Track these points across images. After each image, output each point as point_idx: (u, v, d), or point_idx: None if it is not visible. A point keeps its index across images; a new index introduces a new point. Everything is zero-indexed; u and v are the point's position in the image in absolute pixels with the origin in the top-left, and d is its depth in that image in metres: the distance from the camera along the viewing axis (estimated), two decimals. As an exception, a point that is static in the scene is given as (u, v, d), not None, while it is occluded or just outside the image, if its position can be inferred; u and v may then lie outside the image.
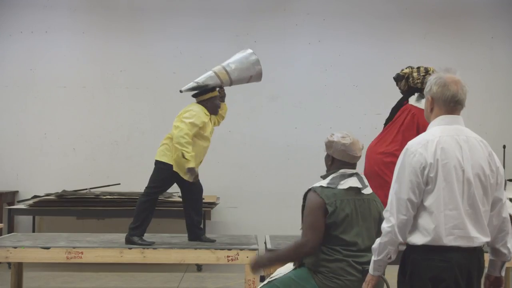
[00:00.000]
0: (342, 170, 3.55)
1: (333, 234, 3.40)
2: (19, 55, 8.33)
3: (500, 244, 2.87)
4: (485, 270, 2.96)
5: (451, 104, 2.81)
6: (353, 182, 3.51)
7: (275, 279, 3.56)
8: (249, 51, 5.61)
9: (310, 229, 3.39)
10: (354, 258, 3.36)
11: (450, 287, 2.71)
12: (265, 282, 3.62)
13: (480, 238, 2.73)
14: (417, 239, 2.74)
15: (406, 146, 2.80)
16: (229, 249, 4.85)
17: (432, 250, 2.71)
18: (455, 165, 2.71)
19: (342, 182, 3.49)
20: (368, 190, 3.55)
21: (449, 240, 2.68)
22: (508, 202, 2.94)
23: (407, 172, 2.73)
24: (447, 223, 2.69)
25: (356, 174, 3.58)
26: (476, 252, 2.77)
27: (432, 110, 2.87)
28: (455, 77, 2.84)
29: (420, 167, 2.71)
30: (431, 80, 2.86)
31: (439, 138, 2.75)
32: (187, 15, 8.46)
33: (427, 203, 2.72)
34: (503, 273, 2.96)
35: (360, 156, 3.60)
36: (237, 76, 5.51)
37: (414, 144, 2.77)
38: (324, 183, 3.50)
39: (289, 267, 3.61)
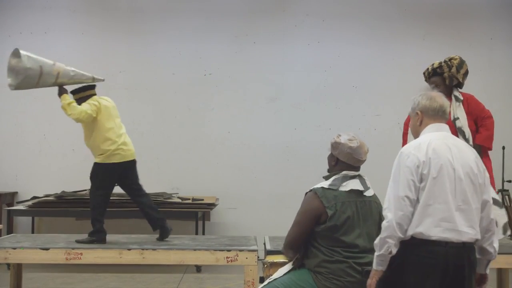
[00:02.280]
0: (344, 172, 3.55)
1: (333, 236, 3.40)
2: (18, 56, 8.32)
3: (487, 243, 3.05)
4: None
5: (439, 113, 3.11)
6: (354, 184, 3.51)
7: (275, 280, 3.56)
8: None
9: (294, 226, 3.52)
10: (355, 259, 3.37)
11: (434, 284, 2.86)
12: (265, 283, 3.62)
13: (469, 233, 2.90)
14: (408, 231, 2.91)
15: (401, 150, 3.04)
16: (229, 250, 4.84)
17: (419, 245, 2.88)
18: (446, 163, 2.92)
19: (344, 184, 3.49)
20: (370, 192, 3.55)
21: (436, 232, 2.86)
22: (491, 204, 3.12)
23: (402, 172, 2.94)
24: (435, 216, 2.87)
25: (359, 176, 3.57)
26: (465, 248, 2.90)
27: (421, 123, 3.13)
28: (438, 92, 3.20)
29: (414, 166, 2.92)
30: (416, 98, 3.16)
31: (430, 141, 3.00)
32: (186, 16, 8.46)
33: (420, 198, 2.91)
34: (487, 271, 3.15)
35: (364, 160, 3.60)
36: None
37: (408, 147, 3.02)
38: (325, 184, 3.50)
39: (289, 268, 3.61)
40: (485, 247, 3.05)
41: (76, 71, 5.28)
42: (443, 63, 5.09)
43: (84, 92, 5.35)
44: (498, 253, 4.69)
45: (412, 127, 3.21)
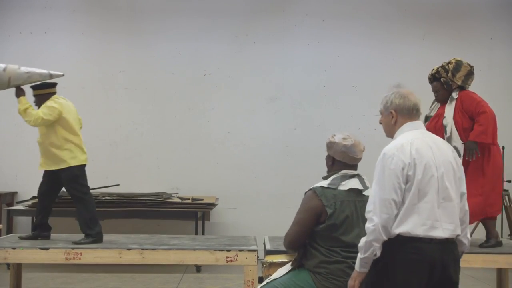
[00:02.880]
0: (343, 171, 3.56)
1: (332, 236, 3.40)
2: (18, 56, 8.30)
3: (462, 235, 3.07)
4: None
5: (414, 111, 3.11)
6: (354, 183, 3.51)
7: (274, 280, 3.56)
8: None
9: (294, 225, 3.51)
10: (354, 259, 3.35)
11: (422, 281, 2.87)
12: (264, 283, 3.62)
13: (451, 230, 2.94)
14: (393, 230, 2.91)
15: (383, 151, 3.01)
16: (228, 250, 4.84)
17: (405, 242, 2.89)
18: (429, 163, 2.95)
19: (343, 183, 3.50)
20: (369, 192, 3.55)
21: (422, 230, 2.88)
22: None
23: (387, 174, 2.93)
24: (421, 214, 2.90)
25: (358, 176, 3.58)
26: (448, 244, 2.94)
27: (396, 122, 3.12)
28: (409, 90, 3.16)
29: (399, 169, 2.93)
30: (388, 97, 3.13)
31: (412, 140, 3.00)
32: (186, 16, 8.46)
33: (406, 199, 2.92)
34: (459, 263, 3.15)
35: (360, 158, 3.60)
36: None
37: (391, 149, 3.00)
38: (325, 183, 3.51)
39: (288, 268, 3.61)
40: (460, 239, 3.06)
41: (32, 72, 5.25)
42: (440, 68, 5.09)
43: (43, 90, 5.34)
44: (498, 253, 4.74)
45: (386, 125, 3.18)
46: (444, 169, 2.96)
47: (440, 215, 2.91)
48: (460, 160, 3.12)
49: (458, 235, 2.99)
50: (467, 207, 3.08)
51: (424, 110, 5.15)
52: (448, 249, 2.93)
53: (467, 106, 4.96)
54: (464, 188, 3.07)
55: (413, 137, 3.02)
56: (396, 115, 3.10)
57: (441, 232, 2.90)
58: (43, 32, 8.38)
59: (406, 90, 3.15)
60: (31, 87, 5.36)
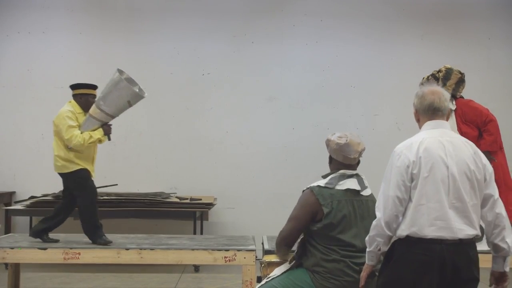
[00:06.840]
0: (341, 171, 3.57)
1: (330, 235, 3.41)
2: (16, 55, 8.32)
3: (498, 239, 2.99)
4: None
5: (429, 111, 3.10)
6: (351, 183, 3.52)
7: (273, 279, 3.56)
8: (116, 74, 5.06)
9: (289, 221, 3.54)
10: (352, 258, 3.37)
11: (432, 281, 2.86)
12: (263, 282, 3.62)
13: (464, 230, 2.89)
14: (402, 231, 2.93)
15: (394, 149, 3.05)
16: (227, 250, 4.84)
17: (415, 243, 2.90)
18: (438, 162, 2.92)
19: (340, 182, 3.50)
20: (367, 192, 3.55)
21: (431, 231, 2.87)
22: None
23: (393, 172, 2.97)
24: (429, 215, 2.89)
25: (356, 176, 3.58)
26: (462, 245, 2.89)
27: (419, 121, 3.15)
28: (434, 88, 3.15)
29: (404, 166, 2.94)
30: (415, 95, 3.17)
31: (422, 139, 3.01)
32: (184, 16, 8.46)
33: (412, 197, 2.93)
34: (507, 269, 3.06)
35: (355, 158, 3.59)
36: (113, 109, 5.09)
37: (400, 147, 3.03)
38: (322, 182, 3.52)
39: (286, 267, 3.61)
40: (497, 243, 2.99)
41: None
42: (430, 77, 5.03)
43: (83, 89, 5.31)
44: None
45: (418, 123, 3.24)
46: (457, 169, 2.91)
47: (452, 215, 2.88)
48: (483, 162, 3.00)
49: (476, 235, 2.93)
50: (497, 210, 2.98)
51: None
52: (461, 250, 2.88)
53: (471, 117, 4.92)
54: (491, 190, 2.99)
55: (426, 135, 3.02)
56: (417, 114, 3.16)
57: (453, 232, 2.87)
58: (42, 31, 8.37)
59: (426, 89, 3.16)
60: (91, 86, 5.36)
